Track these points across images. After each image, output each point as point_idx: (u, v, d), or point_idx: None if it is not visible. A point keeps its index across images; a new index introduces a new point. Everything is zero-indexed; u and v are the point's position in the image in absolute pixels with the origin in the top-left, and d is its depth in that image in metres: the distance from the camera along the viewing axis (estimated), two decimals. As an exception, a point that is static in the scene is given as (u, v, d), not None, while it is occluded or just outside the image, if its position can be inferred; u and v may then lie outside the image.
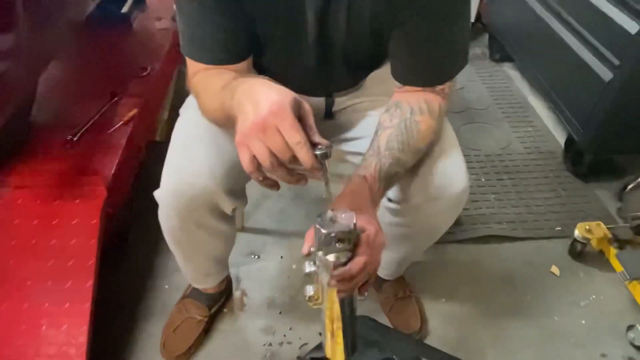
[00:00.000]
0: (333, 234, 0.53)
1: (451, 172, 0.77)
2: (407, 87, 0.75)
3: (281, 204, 1.45)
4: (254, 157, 0.52)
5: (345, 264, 0.55)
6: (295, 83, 0.79)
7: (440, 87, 0.74)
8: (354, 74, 0.86)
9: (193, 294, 1.10)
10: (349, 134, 0.90)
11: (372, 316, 0.91)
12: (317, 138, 0.53)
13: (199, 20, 0.67)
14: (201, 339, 1.08)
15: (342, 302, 0.63)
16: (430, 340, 1.11)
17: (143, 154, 1.34)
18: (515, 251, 1.34)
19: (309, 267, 0.58)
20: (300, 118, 0.53)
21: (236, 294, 1.20)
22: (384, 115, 0.74)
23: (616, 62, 1.28)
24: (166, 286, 1.21)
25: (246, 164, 0.53)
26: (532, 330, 1.14)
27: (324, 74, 0.81)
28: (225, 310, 1.16)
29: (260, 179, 0.55)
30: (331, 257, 0.55)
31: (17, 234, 1.01)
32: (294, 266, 1.27)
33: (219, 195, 0.75)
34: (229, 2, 0.65)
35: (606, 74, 1.32)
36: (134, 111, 1.25)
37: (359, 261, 0.54)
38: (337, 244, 0.54)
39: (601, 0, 1.34)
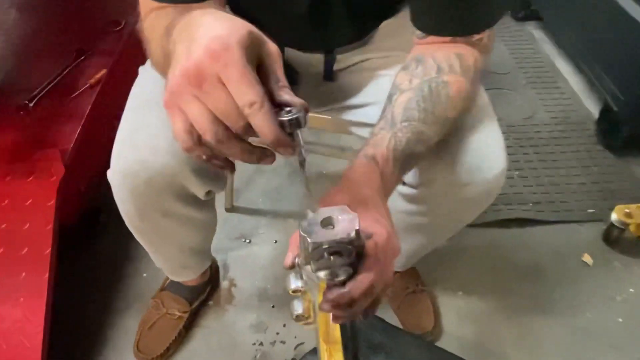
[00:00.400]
0: (326, 246, 0.37)
1: (486, 150, 0.60)
2: (431, 38, 0.56)
3: (277, 181, 1.28)
4: (191, 125, 0.34)
5: (343, 283, 0.39)
6: (284, 35, 0.62)
7: (477, 36, 0.55)
8: (358, 24, 0.67)
9: (172, 286, 0.96)
10: (354, 100, 0.72)
11: (378, 313, 0.77)
12: (285, 95, 0.35)
13: None
14: (181, 337, 0.94)
15: (342, 325, 0.47)
16: (445, 341, 0.97)
17: (116, 123, 1.17)
18: (541, 237, 1.17)
19: (294, 283, 0.42)
20: (261, 64, 0.34)
21: (223, 284, 1.06)
22: (402, 74, 0.56)
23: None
24: (144, 274, 1.07)
25: (179, 135, 0.35)
26: (560, 329, 1.00)
27: (320, 23, 0.63)
28: (210, 303, 1.02)
29: (204, 157, 0.37)
30: (323, 274, 0.39)
31: (-39, 216, 0.86)
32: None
33: (184, 176, 0.59)
34: None
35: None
36: (103, 72, 1.06)
37: (362, 280, 0.38)
38: (331, 257, 0.38)
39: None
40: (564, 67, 1.69)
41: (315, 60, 0.70)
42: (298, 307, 0.44)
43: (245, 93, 0.32)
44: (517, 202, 1.24)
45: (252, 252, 1.12)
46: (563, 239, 1.17)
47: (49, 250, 0.83)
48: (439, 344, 0.96)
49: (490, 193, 0.63)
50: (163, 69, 0.49)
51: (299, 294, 0.43)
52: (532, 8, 1.86)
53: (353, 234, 0.37)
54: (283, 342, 0.96)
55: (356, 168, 0.48)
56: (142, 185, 0.58)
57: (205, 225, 0.76)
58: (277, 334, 0.97)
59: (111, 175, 0.61)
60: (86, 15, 1.26)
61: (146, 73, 0.67)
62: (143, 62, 0.70)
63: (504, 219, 1.19)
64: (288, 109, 0.35)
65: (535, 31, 1.88)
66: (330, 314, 0.41)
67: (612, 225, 1.12)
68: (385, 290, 0.44)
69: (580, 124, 1.47)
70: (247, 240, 1.15)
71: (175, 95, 0.33)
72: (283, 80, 0.35)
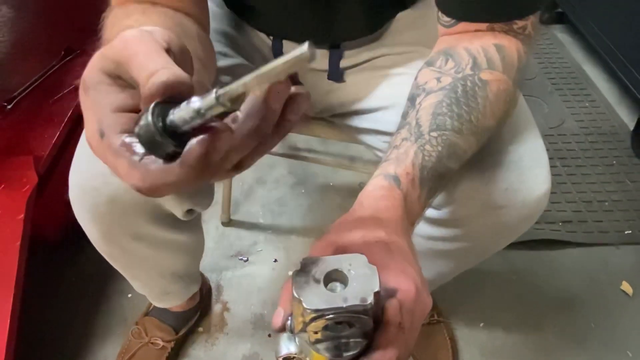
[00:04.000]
0: (330, 315, 0.26)
1: (528, 166, 0.49)
2: (462, 25, 0.45)
3: (279, 192, 1.18)
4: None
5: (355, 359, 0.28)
6: (283, 26, 0.53)
7: (520, 23, 0.44)
8: (371, 14, 0.57)
9: (156, 311, 0.85)
10: (364, 104, 0.62)
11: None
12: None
13: None
14: (165, 370, 0.83)
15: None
16: (464, 381, 0.85)
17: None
18: (573, 261, 1.05)
19: (285, 348, 0.31)
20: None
21: (215, 308, 0.95)
22: (426, 71, 0.45)
23: None
24: (129, 295, 0.97)
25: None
26: (597, 369, 0.87)
27: (325, 11, 0.53)
28: (200, 329, 0.91)
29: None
30: (325, 348, 0.28)
31: None
32: (290, 273, 1.01)
33: None
34: None
35: None
36: (89, 72, 0.97)
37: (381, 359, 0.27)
38: (339, 326, 0.27)
39: None
40: (594, 73, 1.57)
41: (319, 56, 0.59)
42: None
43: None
44: (544, 220, 1.11)
45: (249, 272, 1.02)
46: (598, 264, 1.04)
47: (14, 270, 0.74)
48: (457, 384, 0.84)
49: (530, 218, 0.52)
50: None
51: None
52: (557, 10, 1.74)
53: (371, 299, 0.26)
54: (279, 378, 0.85)
55: (373, 192, 0.37)
56: (105, 204, 0.48)
57: (189, 248, 0.66)
58: (273, 367, 0.86)
59: (69, 190, 0.51)
60: (77, 13, 1.17)
61: None
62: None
63: (530, 239, 1.06)
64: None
65: (561, 34, 1.76)
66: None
67: (655, 249, 1.00)
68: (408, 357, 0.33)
69: (613, 135, 1.35)
70: (245, 259, 1.04)
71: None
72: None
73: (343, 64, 0.61)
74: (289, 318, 0.30)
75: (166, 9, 0.43)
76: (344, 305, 0.26)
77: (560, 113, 1.42)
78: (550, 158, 1.32)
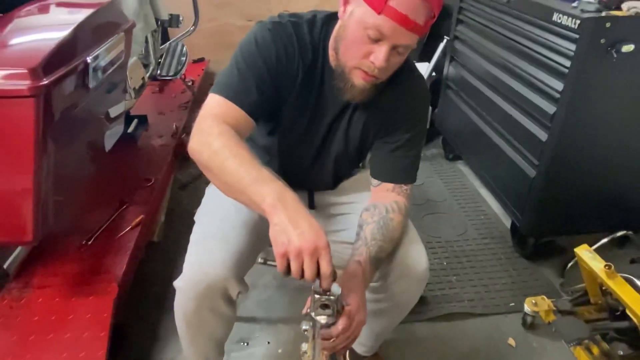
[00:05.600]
0: (321, 300, 0.73)
1: (416, 255, 0.99)
2: (382, 186, 1.00)
3: (267, 293, 1.61)
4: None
5: (328, 326, 0.75)
6: (287, 173, 1.04)
7: (405, 187, 1.00)
8: (334, 180, 1.13)
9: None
10: (332, 226, 1.12)
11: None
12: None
13: (245, 77, 0.88)
14: None
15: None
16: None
17: (142, 253, 1.53)
18: (476, 326, 1.51)
19: (305, 325, 0.77)
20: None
21: (227, 380, 1.31)
22: (366, 213, 0.98)
23: (536, 161, 1.60)
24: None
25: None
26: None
27: (316, 169, 1.08)
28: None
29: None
30: (319, 319, 0.75)
31: (36, 329, 1.14)
32: (279, 350, 1.41)
33: (229, 281, 0.91)
34: (268, 83, 0.89)
35: (530, 171, 1.63)
36: (141, 217, 1.46)
37: (336, 328, 0.74)
38: (323, 309, 0.74)
39: (519, 115, 1.70)
40: (485, 194, 2.19)
41: (301, 195, 1.05)
42: (304, 347, 0.79)
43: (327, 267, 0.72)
44: (456, 300, 1.59)
45: (251, 353, 1.40)
46: (493, 327, 1.51)
47: (102, 352, 1.11)
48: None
49: (422, 281, 1.01)
50: (214, 164, 0.81)
51: (306, 333, 0.77)
52: (456, 153, 2.43)
53: (336, 297, 0.74)
54: None
55: (349, 269, 0.87)
56: (204, 288, 0.90)
57: (231, 320, 1.06)
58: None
59: (181, 283, 0.92)
60: (125, 174, 1.69)
61: (210, 191, 1.06)
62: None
63: (446, 313, 1.53)
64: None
65: (462, 167, 2.43)
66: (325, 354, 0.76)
67: (525, 313, 1.48)
68: (352, 341, 0.80)
69: (500, 238, 1.91)
70: (246, 343, 1.43)
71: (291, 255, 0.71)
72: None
73: (316, 202, 1.14)
74: (308, 309, 0.76)
75: (238, 123, 0.86)
76: (326, 298, 0.73)
77: (463, 224, 1.99)
78: (457, 256, 1.89)
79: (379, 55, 0.82)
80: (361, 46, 0.83)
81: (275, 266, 0.73)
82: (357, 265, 0.87)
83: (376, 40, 0.82)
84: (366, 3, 0.80)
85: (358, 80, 0.87)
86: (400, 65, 0.89)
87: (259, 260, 1.15)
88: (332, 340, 0.74)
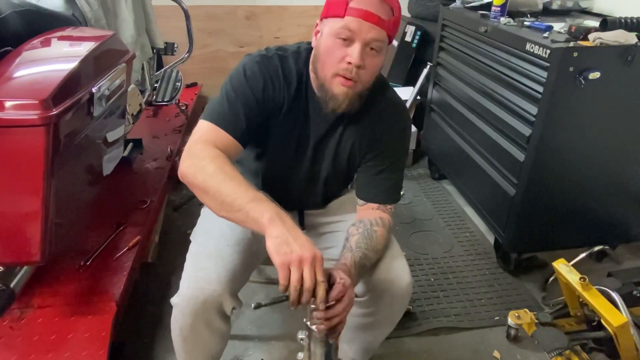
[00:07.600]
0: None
1: (400, 271, 1.05)
2: (367, 205, 1.07)
3: (260, 311, 1.65)
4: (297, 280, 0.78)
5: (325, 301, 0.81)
6: (277, 194, 1.10)
7: (389, 206, 1.07)
8: (324, 200, 1.20)
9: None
10: (321, 244, 1.18)
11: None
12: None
13: (234, 106, 0.95)
14: None
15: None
16: None
17: (137, 273, 1.57)
18: (462, 340, 1.56)
19: (301, 334, 0.83)
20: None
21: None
22: (352, 227, 1.05)
23: (515, 180, 1.69)
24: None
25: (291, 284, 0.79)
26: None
27: (306, 190, 1.15)
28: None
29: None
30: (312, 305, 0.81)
31: (36, 348, 1.17)
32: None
33: (224, 297, 0.96)
34: (256, 111, 0.96)
35: (510, 190, 1.71)
36: (137, 238, 1.50)
37: (331, 294, 0.81)
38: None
39: (498, 137, 1.79)
40: (470, 212, 2.27)
41: (292, 215, 1.12)
42: (300, 355, 0.84)
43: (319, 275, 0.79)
44: (443, 315, 1.65)
45: (245, 369, 1.44)
46: (479, 340, 1.56)
47: (102, 367, 1.15)
48: None
49: (406, 294, 1.06)
50: (206, 186, 0.87)
51: (302, 342, 0.82)
52: (441, 172, 2.53)
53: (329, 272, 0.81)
54: None
55: (339, 265, 0.93)
56: (200, 304, 0.95)
57: (225, 335, 1.10)
58: None
59: (177, 300, 0.97)
60: (122, 196, 1.74)
61: (205, 212, 1.12)
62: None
63: (433, 327, 1.59)
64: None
65: (448, 187, 2.52)
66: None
67: (509, 326, 1.54)
68: (343, 321, 0.85)
69: (485, 254, 1.98)
70: (240, 360, 1.47)
71: (293, 264, 0.78)
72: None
73: (306, 222, 1.21)
74: (304, 319, 0.82)
75: (226, 149, 0.94)
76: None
77: (450, 242, 2.07)
78: (444, 272, 1.97)
79: (354, 53, 0.89)
80: (335, 52, 0.91)
81: (273, 283, 0.80)
82: (344, 266, 0.93)
83: (348, 42, 0.90)
84: (330, 16, 0.91)
85: (338, 87, 0.94)
86: (377, 71, 0.97)
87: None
88: (327, 313, 0.80)
